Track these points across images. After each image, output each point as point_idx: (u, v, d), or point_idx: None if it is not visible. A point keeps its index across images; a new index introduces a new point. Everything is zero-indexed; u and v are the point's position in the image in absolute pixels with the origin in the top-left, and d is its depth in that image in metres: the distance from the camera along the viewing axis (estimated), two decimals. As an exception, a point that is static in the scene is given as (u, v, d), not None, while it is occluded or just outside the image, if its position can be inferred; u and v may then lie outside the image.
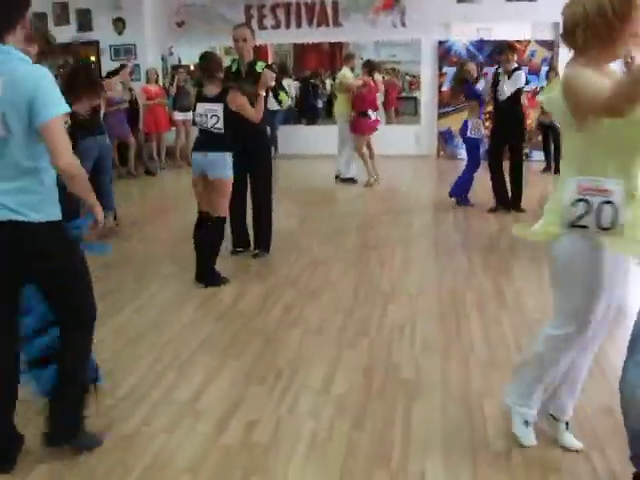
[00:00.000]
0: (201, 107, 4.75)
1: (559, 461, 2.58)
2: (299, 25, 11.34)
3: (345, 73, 8.97)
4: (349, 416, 2.96)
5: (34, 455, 2.66)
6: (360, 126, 8.62)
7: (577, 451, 2.61)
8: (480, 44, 10.82)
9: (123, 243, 6.18)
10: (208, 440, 2.80)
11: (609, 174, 2.22)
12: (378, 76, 8.50)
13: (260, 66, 5.19)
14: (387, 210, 7.40)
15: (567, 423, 2.66)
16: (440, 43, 10.99)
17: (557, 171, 9.61)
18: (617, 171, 2.22)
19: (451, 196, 7.48)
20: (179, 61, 12.51)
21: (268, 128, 5.37)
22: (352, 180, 9.04)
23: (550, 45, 10.55)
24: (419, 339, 3.80)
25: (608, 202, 2.21)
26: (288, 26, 11.32)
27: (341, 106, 9.06)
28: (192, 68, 12.49)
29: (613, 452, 2.59)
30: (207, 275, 4.77)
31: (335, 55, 12.73)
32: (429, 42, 11.05)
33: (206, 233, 4.79)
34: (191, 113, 10.54)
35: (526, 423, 2.65)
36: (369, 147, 8.83)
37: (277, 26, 11.39)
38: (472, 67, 7.44)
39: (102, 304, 3.42)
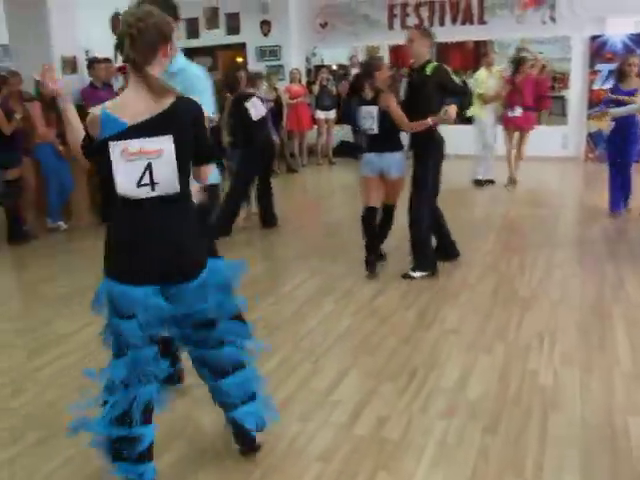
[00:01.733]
0: (361, 110, 4.94)
1: None
2: (442, 23, 11.19)
3: (481, 75, 8.64)
4: (482, 420, 2.92)
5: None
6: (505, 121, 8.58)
7: None
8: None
9: (268, 237, 6.53)
10: (340, 431, 2.88)
11: None
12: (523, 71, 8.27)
13: (430, 68, 4.86)
14: (530, 213, 7.14)
15: None
16: (593, 39, 10.40)
17: None
18: None
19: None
20: (322, 61, 12.80)
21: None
22: (490, 182, 8.79)
23: None
24: (559, 348, 3.66)
25: None
26: (431, 24, 11.18)
27: (477, 108, 8.65)
28: (334, 68, 12.75)
29: None
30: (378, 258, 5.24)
31: (479, 54, 12.43)
32: (580, 38, 10.49)
33: (384, 221, 5.22)
34: (333, 112, 10.98)
35: None
36: (516, 146, 8.64)
37: (420, 25, 11.28)
38: (635, 61, 6.88)
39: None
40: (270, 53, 12.18)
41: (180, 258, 2.25)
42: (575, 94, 10.84)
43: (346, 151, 11.54)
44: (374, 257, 5.11)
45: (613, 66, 8.77)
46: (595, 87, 10.51)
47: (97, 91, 7.19)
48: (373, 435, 2.84)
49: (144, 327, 2.25)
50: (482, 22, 10.96)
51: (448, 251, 5.35)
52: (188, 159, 2.24)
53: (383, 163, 4.93)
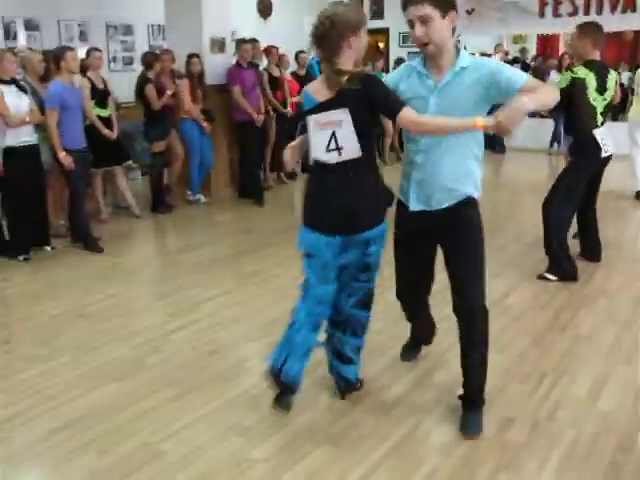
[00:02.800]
0: None
1: None
2: (599, 11, 10.47)
3: None
4: (615, 436, 2.74)
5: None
6: None
7: None
8: None
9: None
10: (462, 428, 2.82)
11: None
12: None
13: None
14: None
15: None
16: None
17: None
18: None
19: None
20: (464, 49, 12.48)
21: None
22: None
23: None
24: None
25: None
26: (587, 12, 10.52)
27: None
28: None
29: None
30: None
31: (638, 46, 11.57)
32: None
33: None
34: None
35: None
36: None
37: (574, 13, 10.64)
38: None
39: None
40: (411, 39, 12.02)
41: (358, 213, 2.67)
42: None
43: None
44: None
45: None
46: None
47: (242, 70, 7.42)
48: (496, 435, 2.75)
49: (323, 267, 2.75)
50: (646, 10, 10.15)
51: (591, 251, 5.07)
52: (365, 128, 2.63)
53: None
